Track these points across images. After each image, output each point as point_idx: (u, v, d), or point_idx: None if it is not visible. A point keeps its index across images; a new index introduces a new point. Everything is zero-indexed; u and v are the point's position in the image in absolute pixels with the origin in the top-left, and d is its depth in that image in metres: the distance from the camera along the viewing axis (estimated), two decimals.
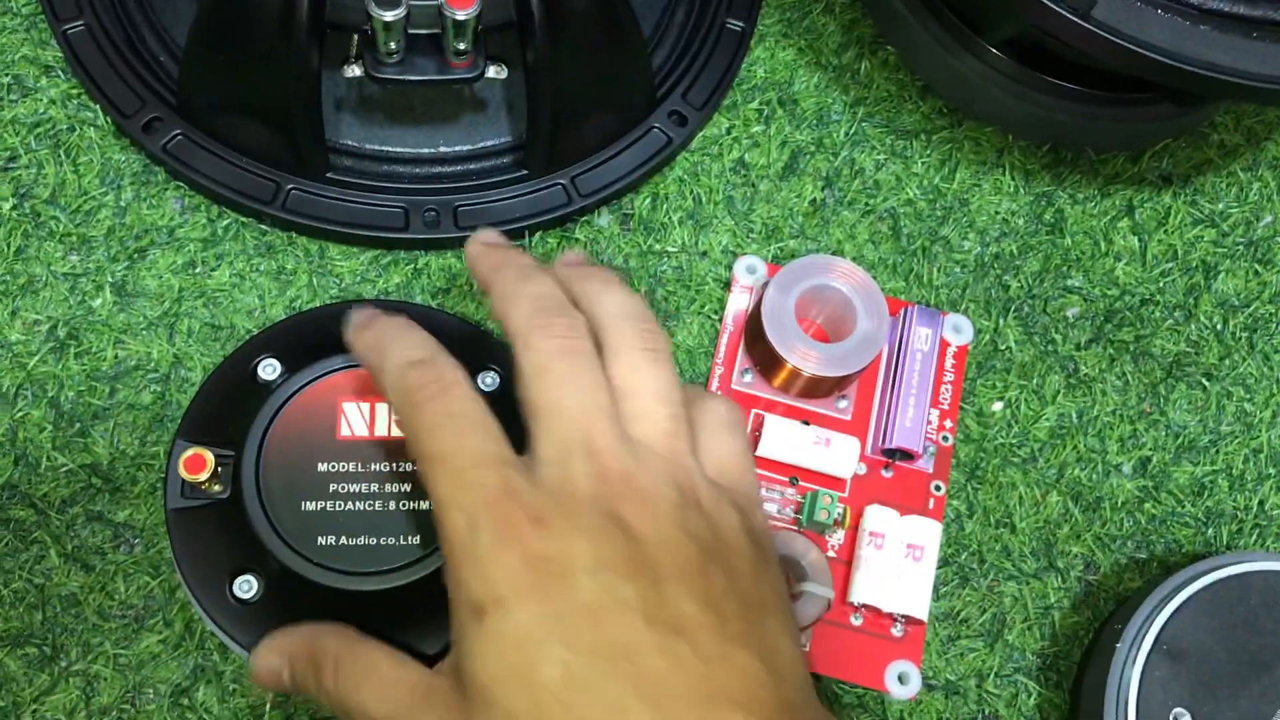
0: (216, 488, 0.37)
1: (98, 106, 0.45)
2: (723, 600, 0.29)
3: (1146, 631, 0.38)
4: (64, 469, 0.40)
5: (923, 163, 0.48)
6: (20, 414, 0.41)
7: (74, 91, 0.45)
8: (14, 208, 0.43)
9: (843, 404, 0.44)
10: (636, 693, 0.27)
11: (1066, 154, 0.49)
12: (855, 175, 0.48)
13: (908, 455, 0.43)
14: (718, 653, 0.28)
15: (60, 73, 0.45)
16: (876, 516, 0.41)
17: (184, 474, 0.36)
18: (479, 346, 0.40)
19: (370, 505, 0.36)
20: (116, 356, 0.42)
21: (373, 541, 0.36)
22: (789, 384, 0.43)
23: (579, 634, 0.28)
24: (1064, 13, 0.37)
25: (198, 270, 0.43)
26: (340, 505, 0.36)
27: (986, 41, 0.47)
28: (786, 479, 0.42)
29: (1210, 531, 0.44)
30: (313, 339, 0.39)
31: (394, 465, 0.37)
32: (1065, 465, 0.44)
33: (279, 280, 0.43)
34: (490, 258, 0.35)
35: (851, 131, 0.49)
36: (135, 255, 0.43)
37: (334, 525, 0.36)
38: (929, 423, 0.44)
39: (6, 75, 0.45)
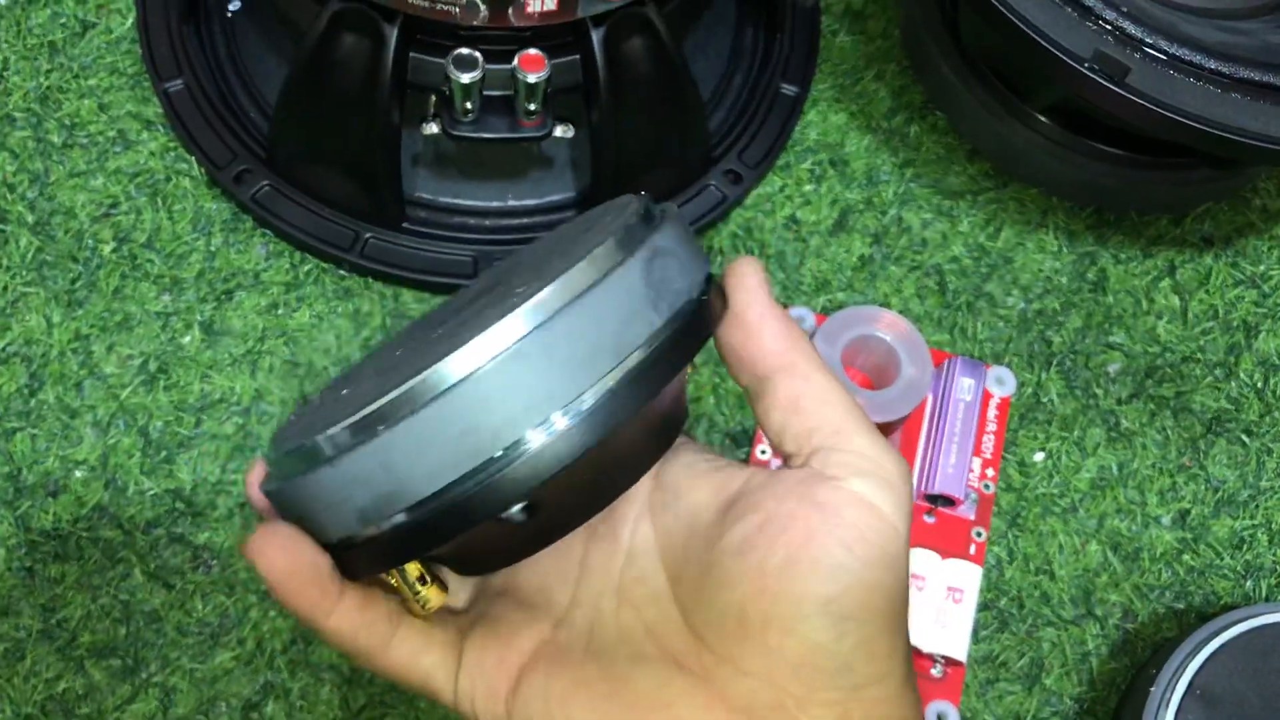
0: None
1: (193, 158, 0.48)
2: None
3: (1181, 676, 0.39)
4: (150, 493, 0.43)
5: (969, 222, 0.50)
6: (112, 441, 0.44)
7: (171, 144, 0.49)
8: (114, 250, 0.47)
9: None
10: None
11: (1109, 216, 0.51)
12: (903, 233, 0.50)
13: (949, 501, 0.44)
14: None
15: (160, 127, 0.49)
16: (918, 559, 0.43)
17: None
18: None
19: None
20: (202, 390, 0.45)
21: None
22: None
23: None
24: (1101, 81, 0.39)
25: (280, 311, 0.46)
26: None
27: (1031, 107, 0.49)
28: None
29: (1249, 584, 0.45)
30: None
31: None
32: (1105, 516, 0.46)
33: (355, 321, 0.46)
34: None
35: (900, 191, 0.51)
36: (223, 296, 0.46)
37: None
38: (971, 470, 0.45)
39: (112, 129, 0.49)
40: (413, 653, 0.29)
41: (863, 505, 0.27)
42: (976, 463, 0.45)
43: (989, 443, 0.46)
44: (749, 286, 0.29)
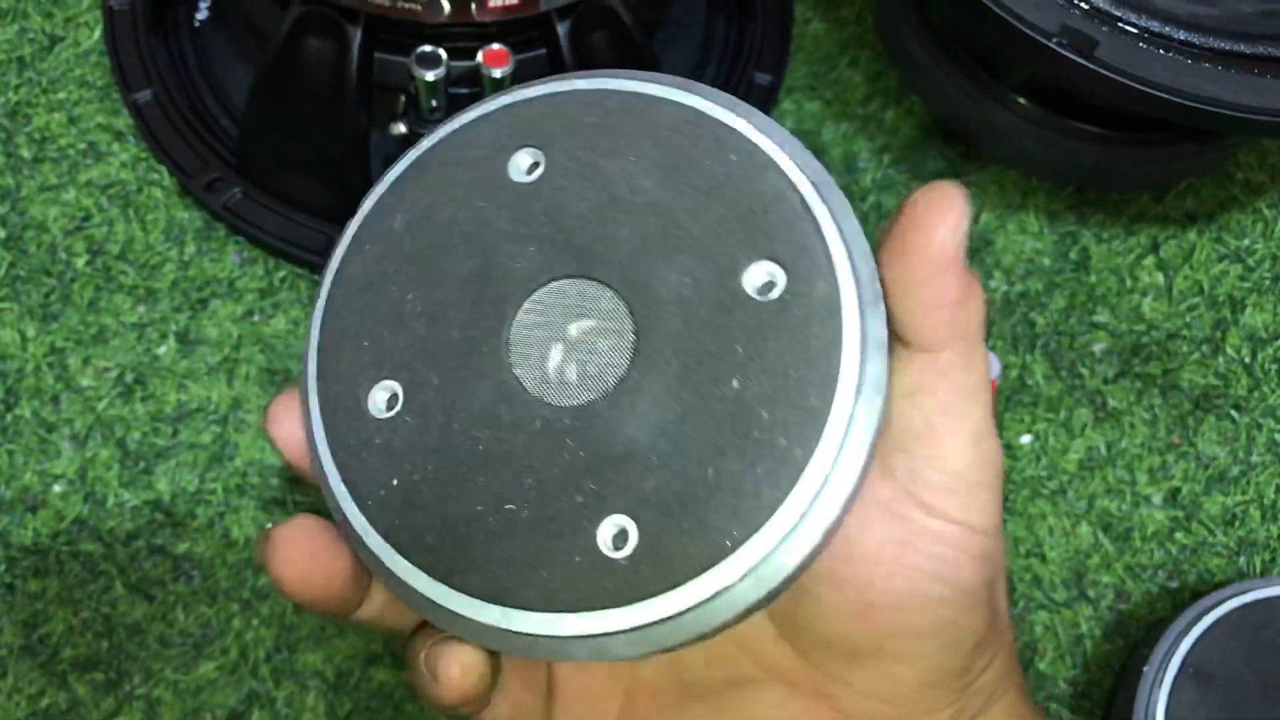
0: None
1: (164, 168, 0.48)
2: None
3: (1174, 655, 0.39)
4: (129, 505, 0.43)
5: None
6: (90, 454, 0.43)
7: (142, 155, 0.48)
8: (87, 263, 0.46)
9: None
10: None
11: (1090, 194, 0.51)
12: (882, 219, 0.49)
13: None
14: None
15: (130, 138, 0.49)
16: None
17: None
18: None
19: None
20: (179, 400, 0.44)
21: None
22: None
23: None
24: (1069, 55, 0.39)
25: (255, 319, 0.46)
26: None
27: (1005, 87, 0.48)
28: None
29: (1243, 560, 0.45)
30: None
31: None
32: (1094, 496, 0.45)
33: None
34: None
35: (878, 178, 0.50)
36: (198, 305, 0.46)
37: None
38: None
39: (82, 142, 0.48)
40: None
41: (953, 531, 0.25)
42: None
43: None
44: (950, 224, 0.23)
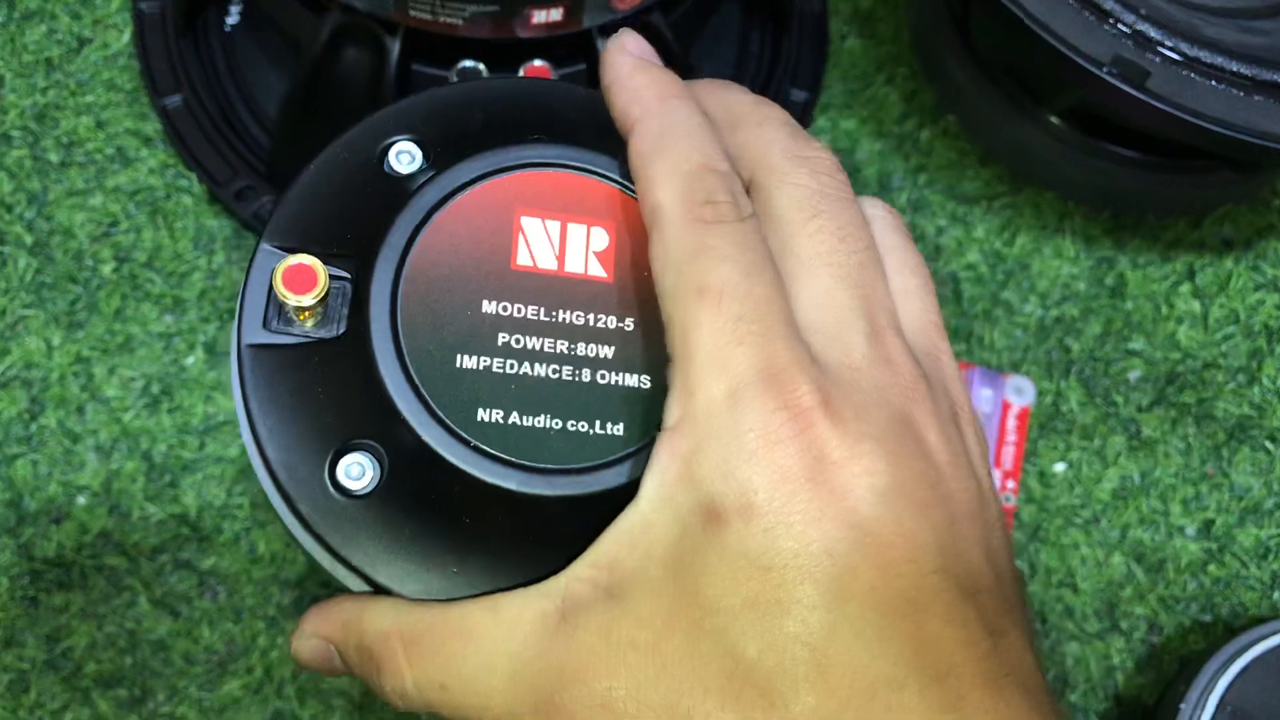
0: (311, 323, 0.26)
1: (193, 175, 0.47)
2: (1002, 558, 0.24)
3: (1211, 693, 0.39)
4: (154, 519, 0.42)
5: (984, 228, 0.49)
6: (115, 466, 0.43)
7: (171, 161, 0.48)
8: (114, 270, 0.46)
9: None
10: (916, 661, 0.22)
11: (1127, 219, 0.50)
12: (917, 240, 0.49)
13: None
14: (1000, 626, 0.23)
15: (159, 143, 0.48)
16: None
17: (283, 292, 0.25)
18: None
19: (556, 372, 0.25)
20: (206, 412, 0.44)
21: (557, 425, 0.25)
22: None
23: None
24: (1120, 85, 0.38)
25: None
26: (514, 367, 0.25)
27: (1045, 111, 0.48)
28: None
29: (1277, 595, 0.44)
30: (471, 121, 0.28)
31: (591, 317, 0.26)
32: (1128, 526, 0.45)
33: None
34: (634, 83, 0.26)
35: (913, 198, 0.50)
36: (226, 316, 0.45)
37: (502, 395, 0.25)
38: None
39: (110, 146, 0.48)
40: None
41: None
42: (997, 474, 0.44)
43: (1009, 454, 0.45)
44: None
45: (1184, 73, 0.38)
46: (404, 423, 0.24)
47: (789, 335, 0.23)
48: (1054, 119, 0.48)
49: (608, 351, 0.26)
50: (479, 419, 0.24)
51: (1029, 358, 0.47)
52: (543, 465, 0.25)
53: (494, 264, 0.26)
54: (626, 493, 0.24)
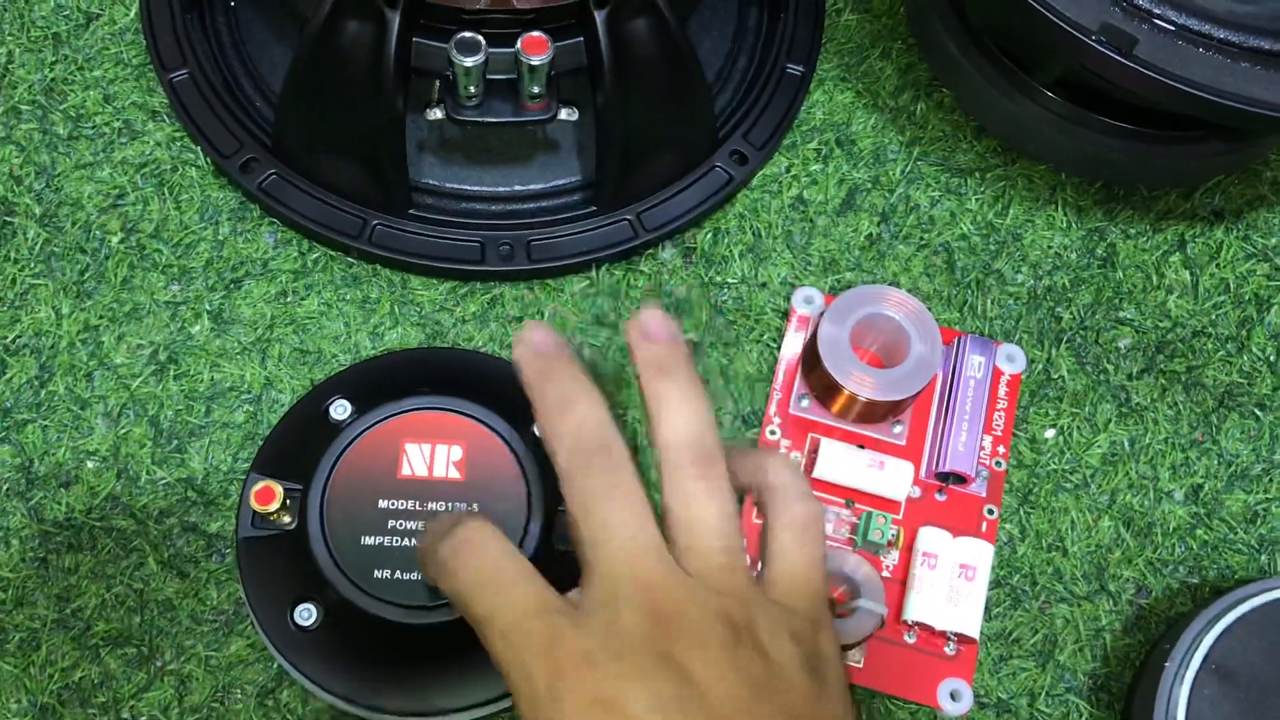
0: (286, 519, 0.39)
1: (199, 148, 0.48)
2: None
3: (1195, 651, 0.39)
4: (162, 483, 0.43)
5: (976, 199, 0.50)
6: (123, 431, 0.44)
7: (177, 134, 0.49)
8: (121, 241, 0.47)
9: (898, 429, 0.45)
10: None
11: (1118, 190, 0.51)
12: (910, 211, 0.50)
13: (961, 479, 0.44)
14: None
15: (165, 117, 0.49)
16: (930, 538, 0.43)
17: (254, 505, 0.38)
18: None
19: None
20: (213, 379, 0.45)
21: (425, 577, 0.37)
22: (845, 409, 0.45)
23: None
24: (1107, 52, 0.39)
25: (288, 299, 0.46)
26: (397, 541, 0.38)
27: (1037, 82, 0.48)
28: (843, 501, 0.44)
29: (1264, 558, 0.45)
30: (384, 382, 0.42)
31: (449, 505, 0.39)
32: (1117, 491, 0.46)
33: (364, 309, 0.46)
34: (535, 367, 0.33)
35: (907, 170, 0.50)
36: (231, 285, 0.46)
37: (391, 560, 0.38)
38: (982, 448, 0.45)
39: (117, 120, 0.49)
40: None
41: None
42: (988, 440, 0.45)
43: (999, 420, 0.46)
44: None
45: (1172, 40, 0.39)
46: (329, 583, 0.38)
47: (555, 619, 0.30)
48: (1047, 91, 0.49)
49: None
50: (376, 576, 0.38)
51: (1021, 326, 0.48)
52: (416, 604, 0.38)
53: (387, 475, 0.39)
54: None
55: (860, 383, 0.43)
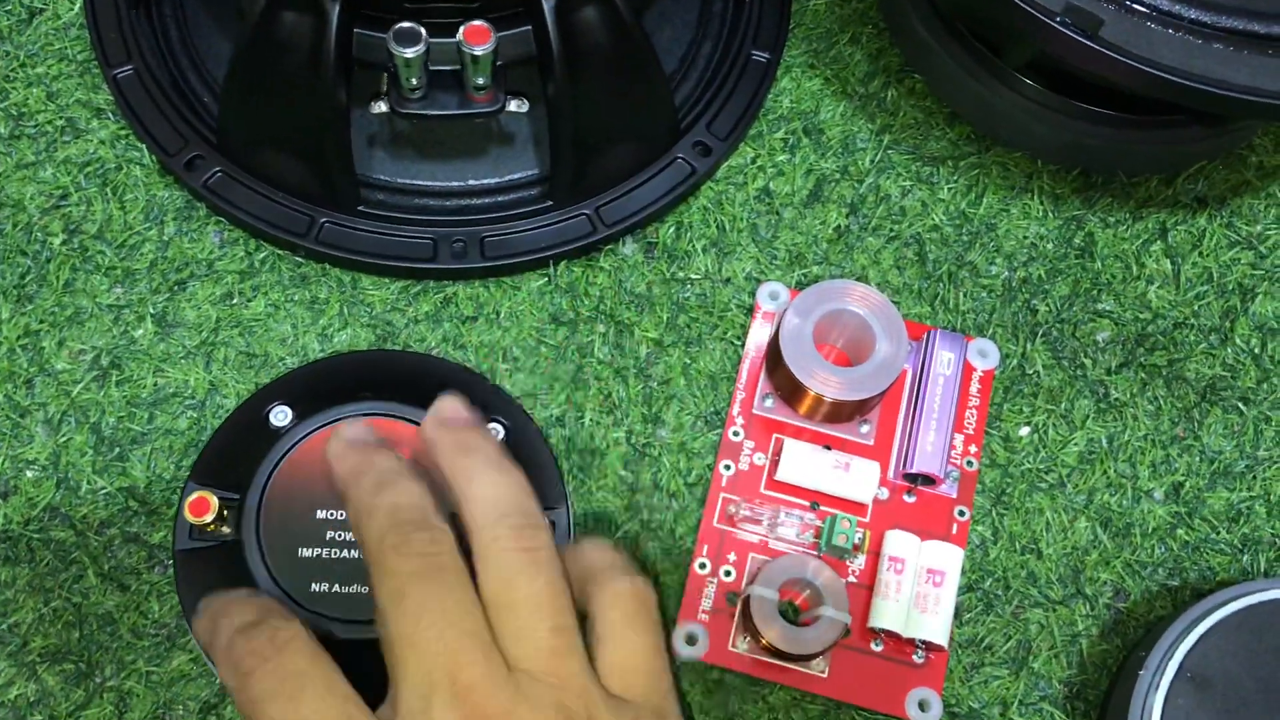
0: (225, 530, 0.38)
1: (144, 146, 0.47)
2: None
3: (1171, 658, 0.38)
4: (103, 492, 0.42)
5: (949, 188, 0.48)
6: (64, 439, 0.42)
7: (122, 132, 0.47)
8: (64, 243, 0.45)
9: (865, 428, 0.44)
10: None
11: (1097, 178, 0.49)
12: (880, 202, 0.48)
13: (929, 480, 0.43)
14: None
15: (110, 115, 0.47)
16: (897, 542, 0.41)
17: (189, 517, 0.37)
18: (484, 396, 0.41)
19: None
20: (156, 384, 0.43)
21: (366, 590, 0.36)
22: (810, 409, 0.43)
23: None
24: (1072, 35, 0.37)
25: (235, 301, 0.45)
26: (336, 553, 0.37)
27: (1011, 67, 0.47)
28: (807, 504, 0.42)
29: (1246, 559, 0.43)
30: (326, 387, 0.40)
31: None
32: (1094, 491, 0.44)
33: (312, 310, 0.45)
34: (347, 461, 0.31)
35: (877, 159, 0.49)
36: (176, 287, 0.45)
37: (329, 572, 0.37)
38: (953, 448, 0.43)
39: (60, 118, 0.47)
40: None
41: None
42: (959, 439, 0.44)
43: (971, 418, 0.44)
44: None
45: (1139, 21, 0.37)
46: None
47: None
48: (1021, 76, 0.47)
49: None
50: (313, 590, 0.36)
51: (995, 320, 0.46)
52: (356, 619, 0.36)
53: (326, 484, 0.35)
54: None
55: (824, 382, 0.42)
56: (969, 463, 0.43)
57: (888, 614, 0.40)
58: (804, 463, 0.42)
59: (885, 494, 0.43)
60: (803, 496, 0.43)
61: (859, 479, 0.42)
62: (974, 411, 0.44)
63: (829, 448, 0.43)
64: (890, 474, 0.43)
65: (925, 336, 0.44)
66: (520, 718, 0.26)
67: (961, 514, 0.43)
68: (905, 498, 0.43)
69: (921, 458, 0.42)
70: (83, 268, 0.45)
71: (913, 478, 0.43)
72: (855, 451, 0.43)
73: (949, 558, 0.41)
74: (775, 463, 0.43)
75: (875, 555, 0.42)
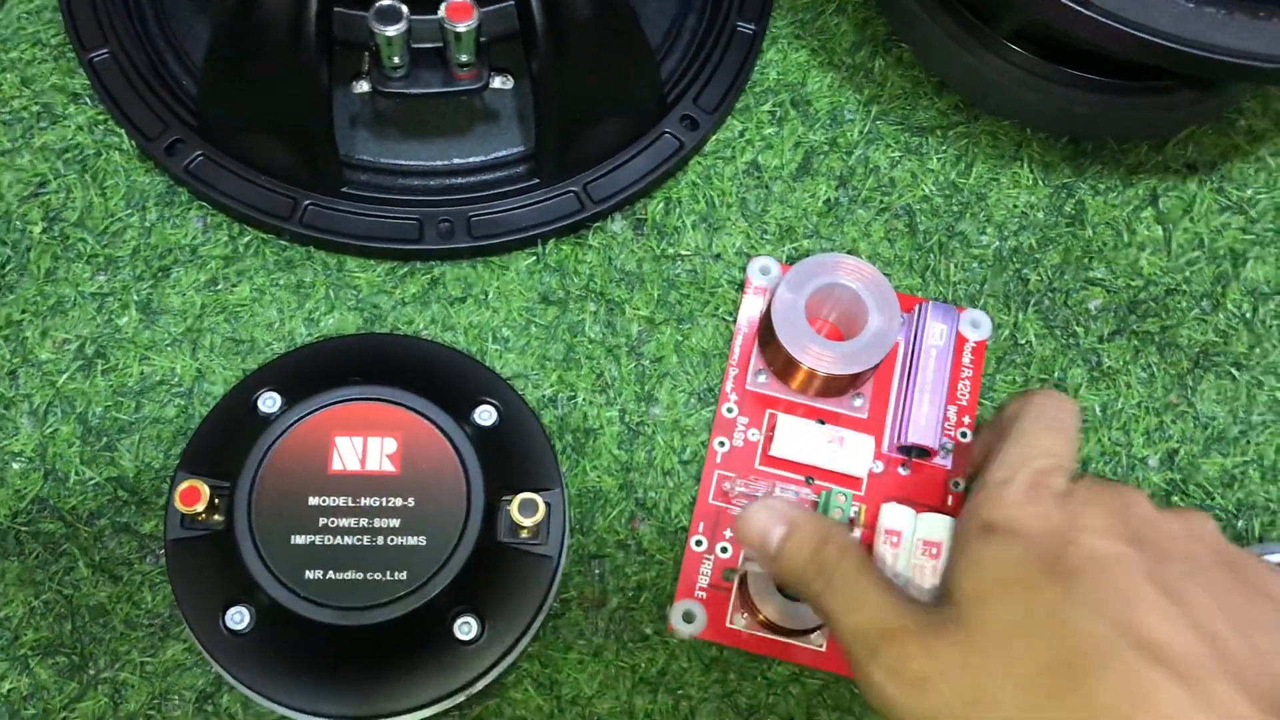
0: (217, 518, 0.37)
1: (123, 131, 0.46)
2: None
3: None
4: (92, 482, 0.41)
5: (939, 158, 0.48)
6: (50, 430, 0.42)
7: (100, 117, 0.46)
8: (44, 231, 0.45)
9: (859, 402, 0.43)
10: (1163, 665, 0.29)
11: (1087, 145, 0.49)
12: (870, 173, 0.48)
13: (924, 452, 0.42)
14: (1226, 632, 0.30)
15: (87, 99, 0.47)
16: (892, 514, 0.41)
17: (179, 506, 0.36)
18: (474, 379, 0.40)
19: (358, 540, 0.36)
20: (142, 372, 0.43)
21: (360, 576, 0.36)
22: (804, 384, 0.43)
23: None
24: (1064, 1, 0.37)
25: (219, 287, 0.44)
26: (329, 540, 0.36)
27: (999, 34, 0.46)
28: (802, 478, 0.42)
29: (1241, 524, 0.43)
30: (315, 372, 0.40)
31: (383, 500, 0.37)
32: (1089, 459, 0.44)
33: (298, 294, 0.44)
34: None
35: (866, 130, 0.48)
36: (159, 274, 0.44)
37: (323, 559, 0.36)
38: (946, 419, 0.43)
39: (36, 104, 0.47)
40: None
41: None
42: (952, 411, 0.43)
43: (965, 389, 0.44)
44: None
45: None
46: (259, 586, 0.36)
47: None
48: (1010, 44, 0.47)
49: (395, 522, 0.36)
50: (307, 577, 0.36)
51: (986, 289, 0.46)
52: (351, 605, 0.36)
53: (317, 470, 0.37)
54: (409, 620, 0.35)
55: (817, 357, 0.41)
56: (963, 434, 0.43)
57: None
58: (798, 438, 0.42)
59: (880, 467, 0.43)
60: (798, 471, 0.42)
61: (854, 453, 0.42)
62: (967, 383, 0.44)
63: (823, 422, 0.43)
64: (885, 447, 0.43)
65: (917, 309, 0.44)
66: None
67: (956, 485, 0.42)
68: (900, 470, 0.43)
69: (916, 430, 0.42)
70: (64, 256, 0.44)
71: (907, 450, 0.42)
72: (849, 425, 0.43)
73: (944, 529, 0.40)
74: (769, 438, 0.42)
75: (871, 529, 0.41)
